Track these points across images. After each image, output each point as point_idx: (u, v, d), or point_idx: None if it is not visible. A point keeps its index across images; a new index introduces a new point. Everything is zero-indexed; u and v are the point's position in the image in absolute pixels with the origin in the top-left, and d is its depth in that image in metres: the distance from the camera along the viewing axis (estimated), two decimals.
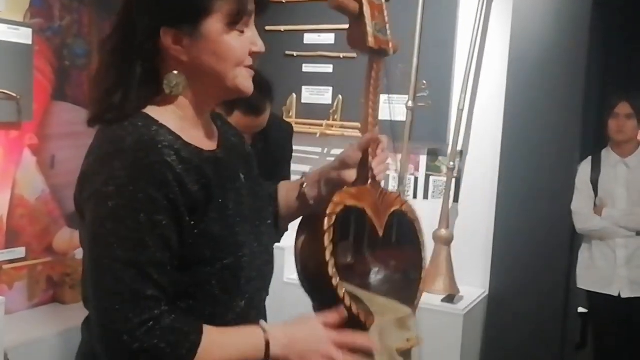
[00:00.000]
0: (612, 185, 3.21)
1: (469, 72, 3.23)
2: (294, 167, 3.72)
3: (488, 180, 3.29)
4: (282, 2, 3.53)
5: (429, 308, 2.99)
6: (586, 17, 3.08)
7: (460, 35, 3.30)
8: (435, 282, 3.17)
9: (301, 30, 3.58)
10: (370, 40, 1.31)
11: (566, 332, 3.27)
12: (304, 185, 1.40)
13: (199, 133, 1.20)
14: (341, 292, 1.21)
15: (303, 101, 3.59)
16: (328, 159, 3.68)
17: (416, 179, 3.44)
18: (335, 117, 3.54)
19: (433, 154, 3.40)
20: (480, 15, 3.22)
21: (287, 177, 2.67)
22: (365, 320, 1.23)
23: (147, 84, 1.14)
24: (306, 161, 3.72)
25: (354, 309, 1.21)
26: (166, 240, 1.06)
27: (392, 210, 1.36)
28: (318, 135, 3.52)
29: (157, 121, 1.12)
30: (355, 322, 1.23)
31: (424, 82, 3.31)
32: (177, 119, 1.16)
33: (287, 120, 3.35)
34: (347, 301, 1.21)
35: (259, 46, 1.18)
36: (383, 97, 3.42)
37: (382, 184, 1.38)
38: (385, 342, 1.24)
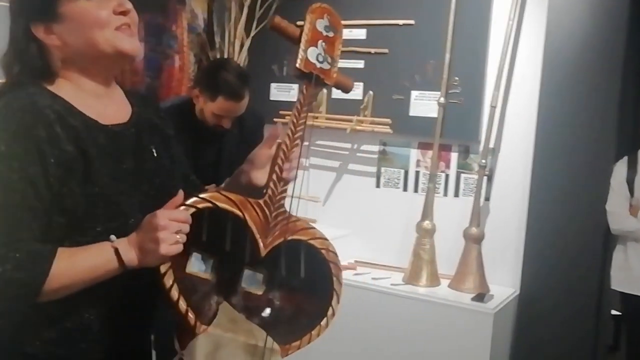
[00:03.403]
0: None
1: (503, 69, 3.19)
2: (324, 162, 3.73)
3: (520, 178, 3.24)
4: None
5: (459, 306, 2.98)
6: (623, 14, 3.01)
7: (493, 31, 3.25)
8: (466, 280, 3.15)
9: None
10: (299, 63, 1.34)
11: (598, 334, 3.20)
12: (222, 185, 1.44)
13: (100, 106, 1.26)
14: (168, 282, 1.17)
15: (333, 97, 3.58)
16: (358, 154, 3.67)
17: (447, 176, 3.41)
18: (366, 113, 3.52)
19: (464, 152, 3.37)
20: (515, 10, 3.17)
21: None
22: (194, 324, 1.18)
23: (41, 70, 1.23)
24: (336, 157, 3.72)
25: (182, 306, 1.18)
26: (39, 189, 1.13)
27: (292, 237, 1.30)
28: (348, 131, 3.51)
29: (48, 90, 1.21)
30: (185, 322, 1.19)
31: (456, 78, 3.28)
32: (72, 89, 1.24)
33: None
34: (175, 295, 1.17)
35: (123, 5, 1.24)
36: (414, 94, 3.40)
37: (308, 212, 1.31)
38: (220, 358, 1.20)
